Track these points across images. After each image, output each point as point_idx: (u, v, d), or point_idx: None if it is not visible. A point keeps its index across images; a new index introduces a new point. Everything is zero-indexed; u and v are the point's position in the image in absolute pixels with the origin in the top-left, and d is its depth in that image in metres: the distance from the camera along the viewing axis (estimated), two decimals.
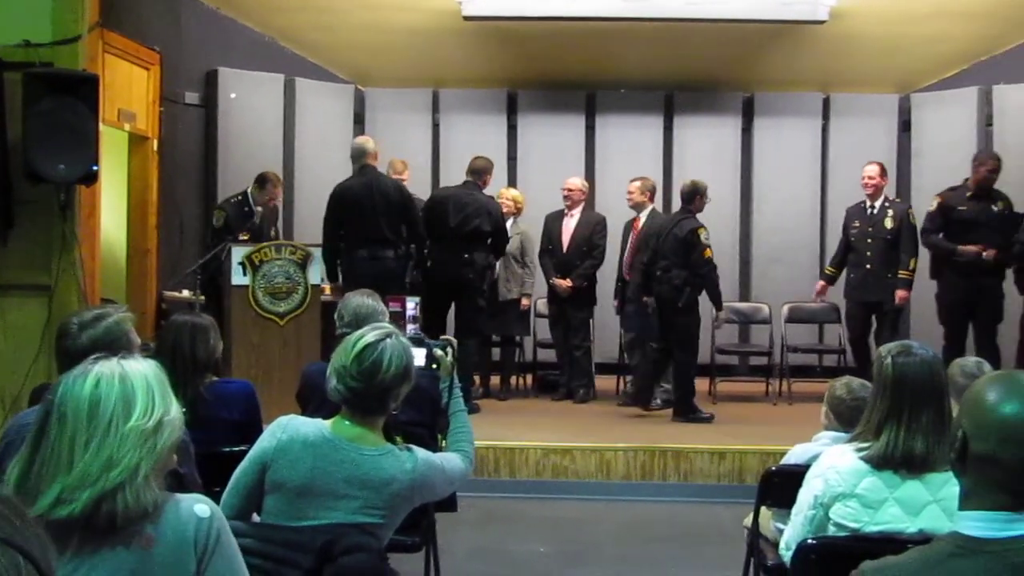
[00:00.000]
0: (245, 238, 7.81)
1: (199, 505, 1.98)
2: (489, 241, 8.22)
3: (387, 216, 7.60)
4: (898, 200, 8.88)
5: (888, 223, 8.40)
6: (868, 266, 8.44)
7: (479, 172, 8.35)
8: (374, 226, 7.56)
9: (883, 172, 8.60)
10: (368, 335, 2.94)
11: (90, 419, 1.88)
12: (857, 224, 8.56)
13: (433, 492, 3.09)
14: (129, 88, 7.96)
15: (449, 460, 3.19)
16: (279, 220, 8.86)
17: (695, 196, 8.12)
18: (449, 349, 3.56)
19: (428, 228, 8.04)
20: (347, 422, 2.94)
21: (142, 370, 1.97)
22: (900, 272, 8.34)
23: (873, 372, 3.15)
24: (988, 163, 8.05)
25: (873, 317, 8.53)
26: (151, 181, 8.35)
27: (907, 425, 2.99)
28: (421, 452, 2.99)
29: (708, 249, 7.96)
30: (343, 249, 7.61)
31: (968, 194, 8.08)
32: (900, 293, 8.35)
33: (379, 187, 7.68)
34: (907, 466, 2.98)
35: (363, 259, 7.55)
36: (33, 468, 1.88)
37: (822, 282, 8.95)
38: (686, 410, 7.98)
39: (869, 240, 8.45)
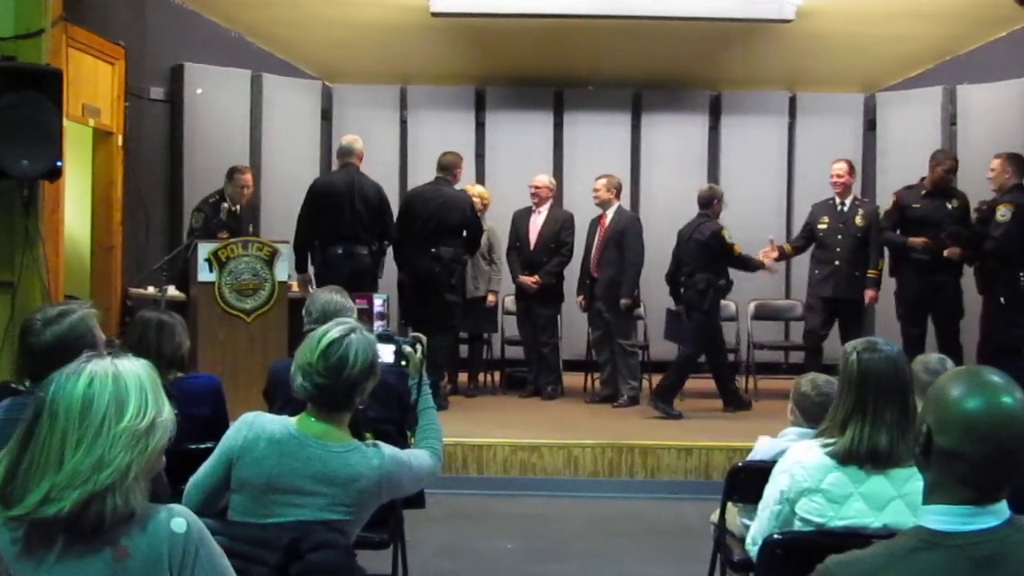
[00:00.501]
0: (223, 236, 7.77)
1: (176, 519, 1.93)
2: (464, 235, 8.24)
3: (364, 215, 7.75)
4: (866, 199, 8.93)
5: (859, 221, 8.46)
6: (837, 263, 8.48)
7: (448, 167, 8.36)
8: (351, 224, 7.70)
9: (851, 169, 8.65)
10: (332, 331, 2.93)
11: (82, 418, 1.84)
12: (826, 220, 8.61)
13: (400, 488, 3.09)
14: (94, 83, 7.89)
15: (417, 457, 3.18)
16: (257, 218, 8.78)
17: (712, 200, 8.33)
18: (419, 346, 3.55)
19: (400, 226, 8.11)
20: (313, 419, 2.93)
21: (135, 370, 1.93)
22: (869, 271, 8.40)
23: (839, 368, 3.17)
24: (945, 162, 8.13)
25: (834, 314, 8.58)
26: (116, 177, 8.27)
27: (872, 421, 3.01)
28: (388, 448, 2.99)
29: (736, 245, 8.19)
30: (317, 245, 7.72)
31: (924, 192, 8.16)
32: (870, 293, 8.41)
33: (360, 186, 7.81)
34: (872, 461, 3.00)
35: (338, 256, 7.67)
36: (21, 466, 1.85)
37: (776, 251, 8.67)
38: (663, 398, 8.04)
39: (839, 236, 8.50)
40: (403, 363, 3.48)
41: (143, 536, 1.88)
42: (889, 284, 8.52)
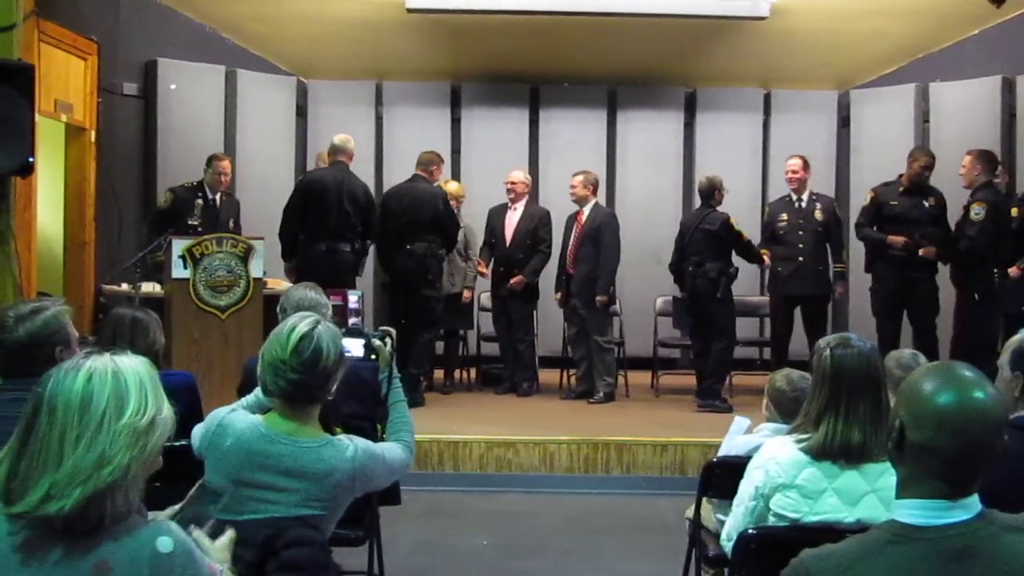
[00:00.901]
0: (195, 223, 7.74)
1: (162, 539, 1.88)
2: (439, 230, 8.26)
3: (351, 214, 7.86)
4: (824, 194, 8.95)
5: (818, 215, 8.53)
6: (801, 259, 8.53)
7: (425, 164, 8.38)
8: (337, 221, 7.81)
9: (806, 165, 8.70)
10: (299, 325, 2.92)
11: (81, 414, 1.82)
12: (785, 217, 8.65)
13: (375, 481, 3.08)
14: (66, 78, 7.83)
15: (390, 450, 3.18)
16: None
17: (714, 191, 8.40)
18: (388, 339, 3.55)
19: (382, 225, 8.19)
20: (281, 417, 2.93)
21: (135, 367, 1.91)
22: (836, 266, 8.46)
23: (812, 364, 3.19)
24: (921, 159, 8.17)
25: (797, 311, 8.64)
26: (89, 173, 8.21)
27: (845, 416, 3.03)
28: (361, 441, 2.99)
29: (744, 233, 8.31)
30: (302, 239, 7.85)
31: (900, 189, 8.20)
32: (839, 288, 8.47)
33: (348, 185, 7.92)
34: (845, 456, 3.02)
35: (320, 252, 7.78)
36: (21, 463, 1.82)
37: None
38: (711, 396, 8.15)
39: (800, 232, 8.54)
40: (372, 356, 3.47)
41: (125, 551, 1.84)
42: (861, 280, 8.57)
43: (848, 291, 8.86)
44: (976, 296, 7.62)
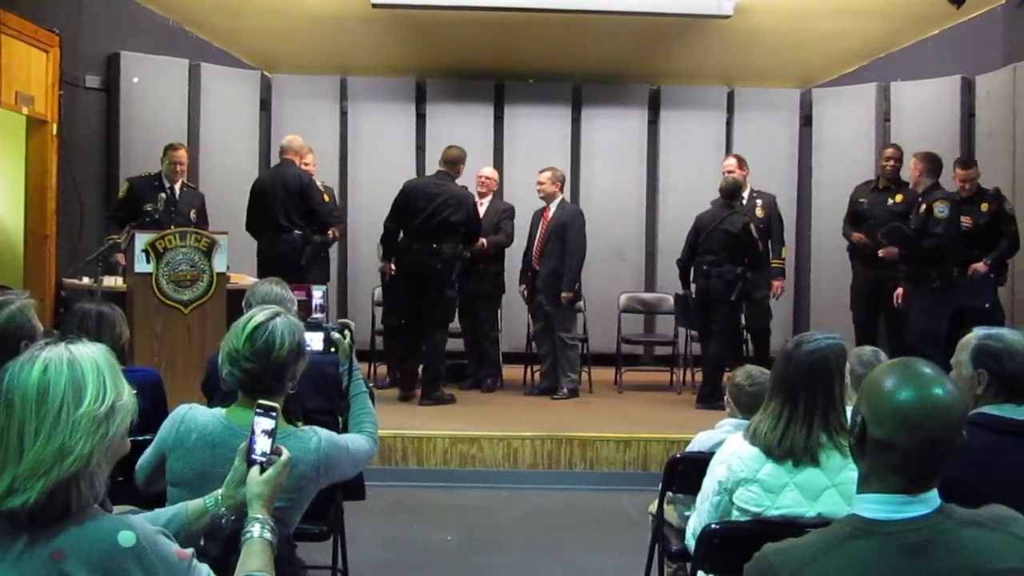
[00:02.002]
0: (149, 208, 7.70)
1: (124, 532, 1.86)
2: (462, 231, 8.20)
3: (285, 204, 8.01)
4: (764, 191, 8.98)
5: (759, 212, 8.59)
6: None
7: (452, 162, 8.30)
8: (274, 213, 8.00)
9: (741, 164, 8.75)
10: (257, 316, 2.93)
11: (39, 406, 1.81)
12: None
13: (339, 472, 3.08)
14: (27, 70, 7.76)
15: (354, 441, 3.19)
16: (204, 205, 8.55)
17: (738, 192, 8.40)
18: (347, 331, 3.55)
19: (399, 219, 8.17)
20: (244, 408, 2.93)
21: (92, 354, 1.90)
22: (773, 261, 8.51)
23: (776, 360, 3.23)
24: (885, 152, 8.41)
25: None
26: (50, 166, 8.14)
27: (801, 411, 3.06)
28: (324, 432, 2.99)
29: (760, 243, 8.28)
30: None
31: (872, 187, 8.36)
32: (777, 283, 8.51)
33: (281, 177, 8.09)
34: (800, 451, 3.05)
35: (263, 244, 8.10)
36: None
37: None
38: (715, 397, 8.03)
39: None
40: (332, 349, 3.47)
41: (83, 539, 1.83)
42: (835, 276, 8.67)
43: (784, 287, 8.89)
44: (933, 292, 7.72)
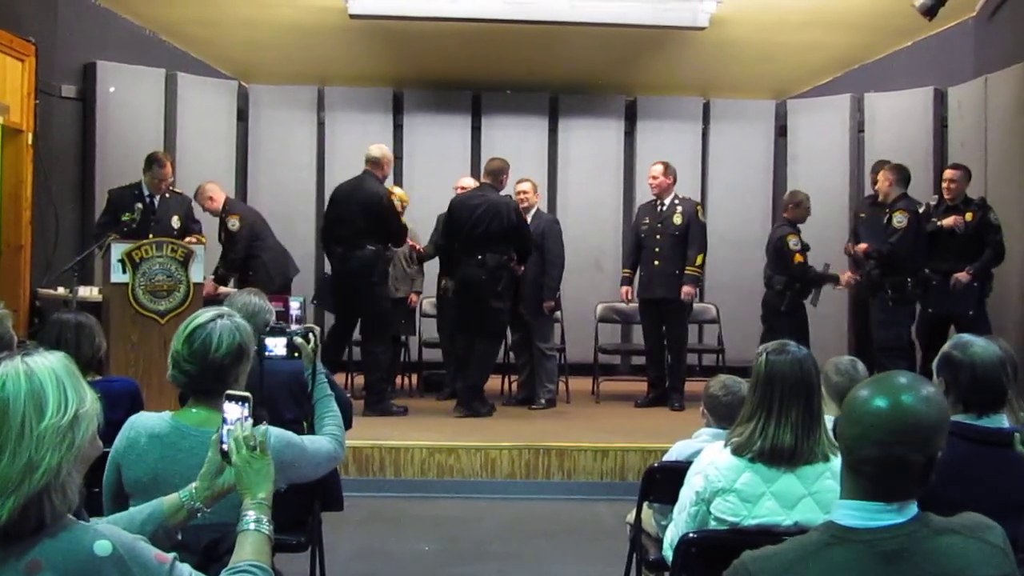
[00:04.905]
0: (128, 218, 7.66)
1: (100, 542, 1.83)
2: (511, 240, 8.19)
3: (359, 218, 7.95)
4: (687, 197, 8.93)
5: (677, 219, 8.59)
6: (656, 262, 8.61)
7: (495, 173, 8.31)
8: (347, 228, 7.98)
9: (666, 171, 8.71)
10: (199, 317, 2.94)
11: (1, 423, 1.78)
12: (647, 221, 8.75)
13: (297, 472, 3.06)
14: (2, 80, 7.71)
15: (314, 441, 3.18)
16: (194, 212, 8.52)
17: (788, 205, 8.50)
18: (311, 335, 3.54)
19: (447, 235, 8.26)
20: (193, 410, 2.94)
21: (49, 365, 1.85)
22: (687, 268, 8.54)
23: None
24: (873, 171, 8.55)
25: (661, 315, 8.75)
26: (25, 176, 8.08)
27: (776, 420, 3.09)
28: (275, 430, 2.95)
29: (798, 254, 8.29)
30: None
31: (870, 201, 8.57)
32: (686, 289, 8.52)
33: (358, 191, 8.04)
34: (776, 459, 3.07)
35: (334, 260, 8.19)
36: None
37: (625, 287, 8.98)
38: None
39: (658, 236, 8.62)
40: (296, 355, 3.46)
41: (58, 550, 1.80)
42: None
43: (695, 293, 8.85)
44: (890, 303, 7.81)
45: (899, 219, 7.75)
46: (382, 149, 8.27)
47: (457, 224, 8.15)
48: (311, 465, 3.10)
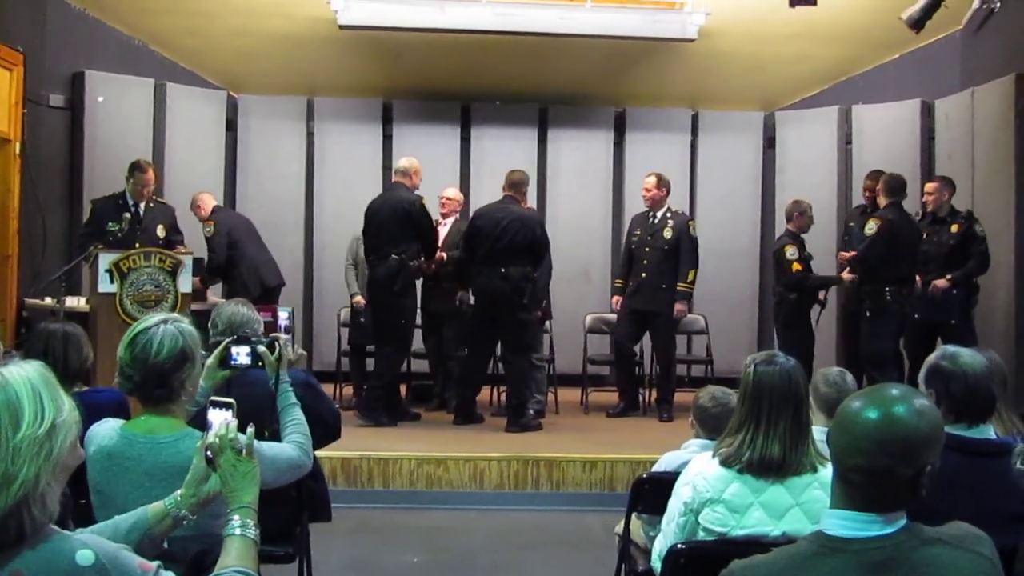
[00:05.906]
0: (114, 228, 7.65)
1: (82, 551, 1.82)
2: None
3: (389, 227, 8.00)
4: (680, 212, 8.95)
5: (667, 233, 8.59)
6: (644, 275, 8.62)
7: (516, 185, 8.29)
8: (379, 237, 8.06)
9: (660, 183, 8.71)
10: (143, 323, 2.93)
11: None
12: (638, 233, 8.77)
13: None
14: None
15: (275, 447, 3.17)
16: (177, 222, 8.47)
17: (792, 214, 8.50)
18: (276, 344, 3.52)
19: (469, 247, 8.16)
20: (142, 417, 2.93)
21: (25, 375, 1.83)
22: (678, 284, 8.53)
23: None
24: (864, 183, 8.63)
25: (643, 327, 8.77)
26: (13, 185, 8.05)
27: (765, 430, 3.09)
28: None
29: (795, 263, 8.28)
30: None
31: (860, 211, 8.64)
32: (678, 307, 8.52)
33: (390, 200, 8.13)
34: (764, 470, 3.08)
35: (368, 268, 8.24)
36: None
37: (616, 296, 8.99)
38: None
39: (647, 249, 8.63)
40: (259, 364, 3.45)
41: (40, 560, 1.79)
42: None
43: (687, 310, 8.85)
44: (868, 313, 7.81)
45: (870, 226, 7.79)
46: (411, 160, 8.30)
47: (481, 236, 8.09)
48: (271, 471, 3.04)
